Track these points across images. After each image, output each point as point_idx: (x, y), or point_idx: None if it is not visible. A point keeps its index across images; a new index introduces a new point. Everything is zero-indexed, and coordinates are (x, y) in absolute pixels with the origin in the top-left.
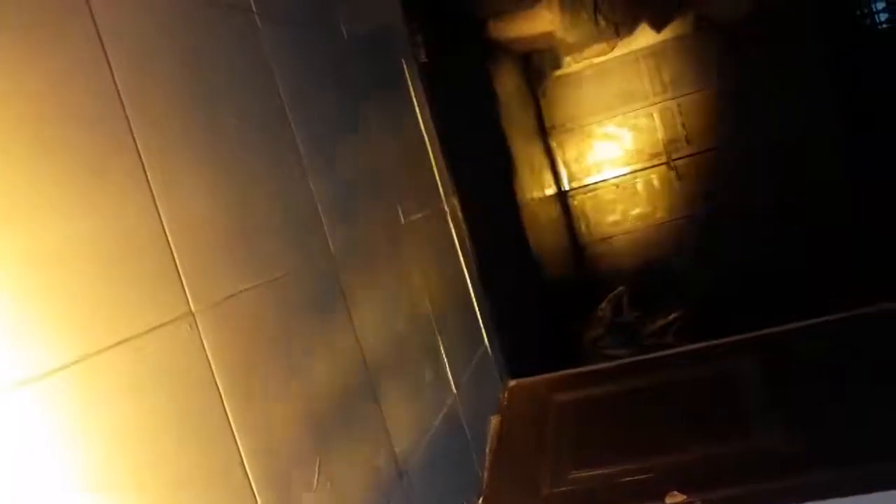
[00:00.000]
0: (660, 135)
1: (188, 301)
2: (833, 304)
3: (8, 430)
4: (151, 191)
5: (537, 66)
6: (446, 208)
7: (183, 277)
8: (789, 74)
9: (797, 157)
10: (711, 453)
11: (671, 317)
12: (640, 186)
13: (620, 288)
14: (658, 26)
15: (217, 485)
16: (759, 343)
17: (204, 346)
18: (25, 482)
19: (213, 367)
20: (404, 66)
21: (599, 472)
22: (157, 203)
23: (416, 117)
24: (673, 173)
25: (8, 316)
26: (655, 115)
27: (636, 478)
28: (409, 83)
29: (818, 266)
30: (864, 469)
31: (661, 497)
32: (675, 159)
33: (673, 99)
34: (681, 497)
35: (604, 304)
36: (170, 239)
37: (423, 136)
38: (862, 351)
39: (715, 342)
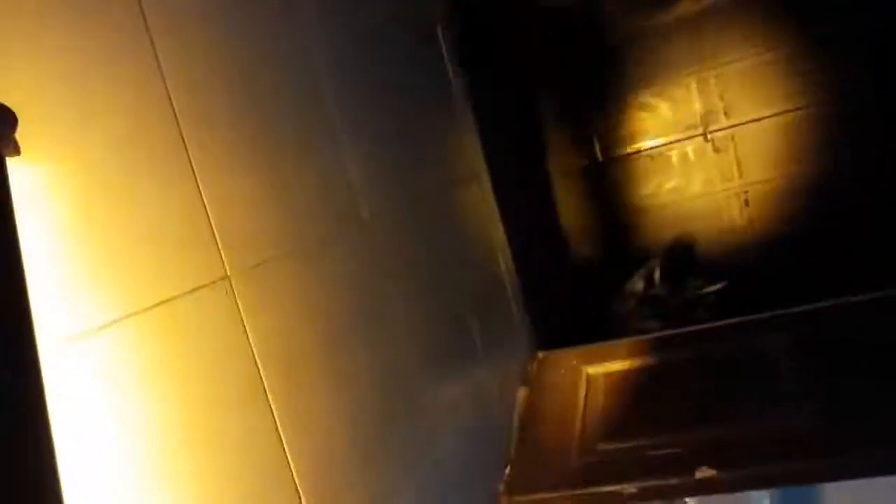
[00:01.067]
0: (697, 105)
1: (224, 265)
2: (875, 284)
3: (60, 383)
4: (190, 159)
5: (579, 32)
6: (478, 180)
7: (219, 242)
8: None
9: (849, 129)
10: (741, 430)
11: (704, 290)
12: (675, 158)
13: (653, 260)
14: None
15: (250, 445)
16: (794, 320)
17: (239, 309)
18: (75, 433)
19: (248, 328)
20: (439, 35)
21: (628, 445)
22: (195, 170)
23: (450, 87)
24: (709, 145)
25: (62, 276)
26: (693, 85)
27: (665, 451)
28: (444, 52)
29: (861, 244)
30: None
31: (691, 472)
32: (711, 131)
33: (712, 69)
34: (711, 472)
35: (635, 277)
36: (207, 205)
37: (455, 106)
38: None
39: (748, 318)
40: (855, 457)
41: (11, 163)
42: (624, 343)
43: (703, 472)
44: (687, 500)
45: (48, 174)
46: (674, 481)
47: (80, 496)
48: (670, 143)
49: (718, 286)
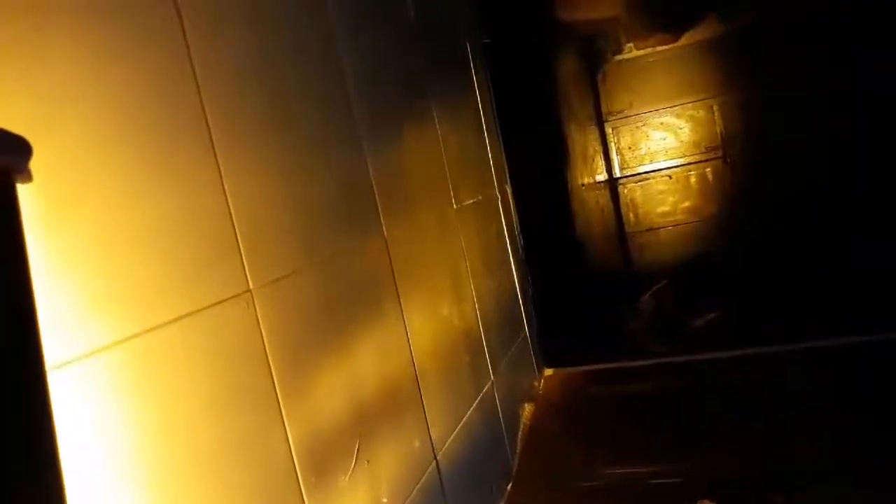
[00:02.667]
0: (718, 129)
1: (247, 279)
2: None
3: (77, 400)
4: (219, 169)
5: (599, 49)
6: (497, 194)
7: (244, 255)
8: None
9: (869, 156)
10: (744, 462)
11: (712, 315)
12: (693, 179)
13: (664, 281)
14: (726, 20)
15: (264, 459)
16: (805, 355)
17: (259, 324)
18: (92, 450)
19: (267, 344)
20: (468, 48)
21: (630, 470)
22: (224, 182)
23: (476, 99)
24: (728, 168)
25: (81, 289)
26: (715, 108)
27: (667, 481)
28: (472, 64)
29: (879, 276)
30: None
31: (692, 502)
32: (731, 155)
33: (734, 92)
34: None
35: (647, 296)
36: (234, 217)
37: (481, 118)
38: None
39: (759, 350)
40: (861, 489)
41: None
42: (631, 367)
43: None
44: None
45: (62, 186)
46: None
47: None
48: (689, 164)
49: (727, 309)
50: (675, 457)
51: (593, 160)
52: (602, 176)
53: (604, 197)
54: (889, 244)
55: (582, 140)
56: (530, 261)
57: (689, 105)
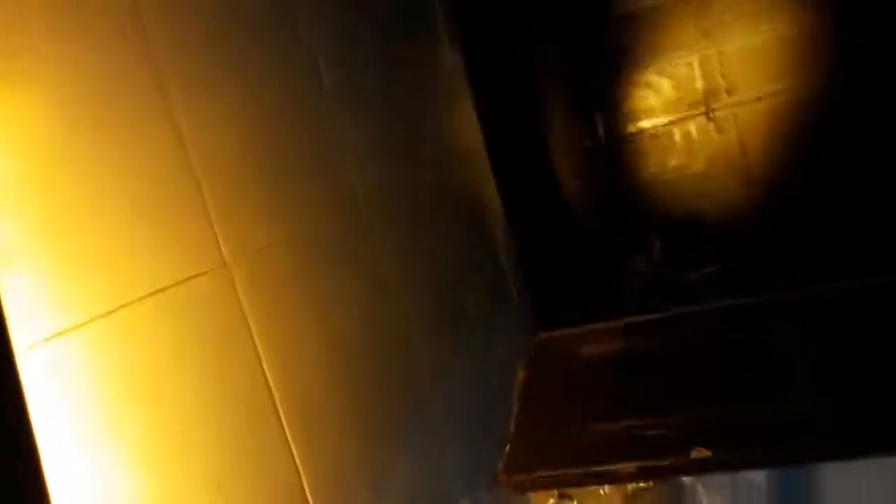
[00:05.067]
0: (699, 84)
1: (222, 253)
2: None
3: (52, 376)
4: (185, 145)
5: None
6: (476, 156)
7: (217, 230)
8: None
9: (861, 111)
10: (738, 411)
11: (705, 270)
12: (677, 137)
13: (655, 239)
14: None
15: (251, 432)
16: (795, 303)
17: (238, 296)
18: (69, 420)
19: (248, 314)
20: (435, 9)
21: (626, 425)
22: (192, 158)
23: (447, 57)
24: (712, 125)
25: (53, 268)
26: (695, 64)
27: (662, 432)
28: (440, 18)
29: (867, 225)
30: (889, 431)
31: (686, 452)
32: (714, 110)
33: (715, 47)
34: (706, 453)
35: (637, 256)
36: (205, 194)
37: (453, 79)
38: None
39: (749, 300)
40: (851, 438)
41: None
42: (624, 324)
43: (699, 452)
44: (683, 479)
45: (31, 162)
46: (669, 461)
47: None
48: (672, 122)
49: (719, 265)
50: (670, 409)
51: (577, 122)
52: (588, 141)
53: (591, 160)
54: (884, 187)
55: (563, 102)
56: (518, 226)
57: (671, 62)
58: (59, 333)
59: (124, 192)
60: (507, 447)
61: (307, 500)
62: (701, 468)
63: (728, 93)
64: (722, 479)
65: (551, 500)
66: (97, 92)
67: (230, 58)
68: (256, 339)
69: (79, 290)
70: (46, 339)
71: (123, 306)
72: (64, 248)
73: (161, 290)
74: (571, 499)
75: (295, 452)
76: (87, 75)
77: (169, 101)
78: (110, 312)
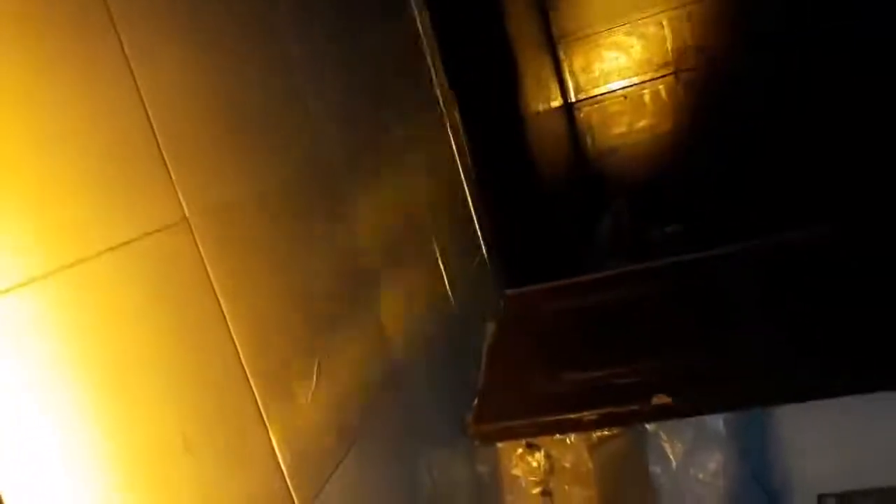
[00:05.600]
0: (668, 44)
1: (182, 206)
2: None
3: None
4: (140, 94)
5: None
6: (446, 118)
7: (176, 183)
8: None
9: (820, 62)
10: (697, 359)
11: (671, 228)
12: (647, 98)
13: (621, 199)
14: None
15: (216, 385)
16: (749, 253)
17: (200, 251)
18: (20, 385)
19: (210, 271)
20: None
21: (590, 374)
22: (147, 108)
23: (416, 23)
24: (681, 85)
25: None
26: (665, 23)
27: (625, 381)
28: None
29: (831, 181)
30: (850, 373)
31: (648, 399)
32: (683, 70)
33: (684, 6)
34: (667, 399)
35: (605, 215)
36: (161, 145)
37: (422, 42)
38: (857, 260)
39: (706, 253)
40: (806, 379)
41: None
42: (590, 279)
43: (660, 399)
44: (646, 426)
45: None
46: (632, 408)
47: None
48: (642, 82)
49: (685, 223)
50: (633, 359)
51: (547, 84)
52: (557, 101)
53: (560, 121)
54: (843, 145)
55: (534, 65)
56: (485, 185)
57: (640, 22)
58: (8, 290)
59: (79, 142)
60: (476, 400)
61: (275, 454)
62: (662, 414)
63: (698, 53)
64: (683, 424)
65: (519, 450)
66: (53, 36)
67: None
68: (219, 294)
69: (29, 245)
70: None
71: (80, 261)
72: (15, 202)
73: (120, 246)
74: (539, 448)
75: (262, 408)
76: (43, 20)
77: (126, 55)
78: (67, 266)
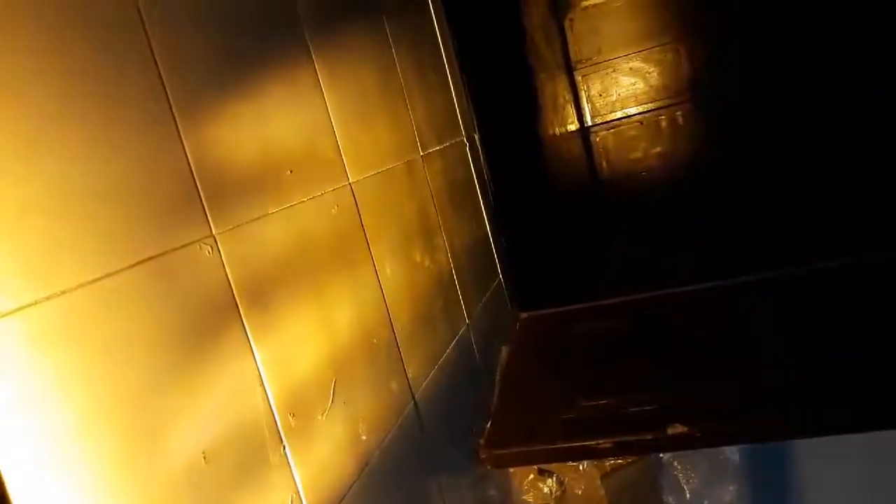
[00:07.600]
0: (685, 71)
1: (210, 224)
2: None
3: (32, 341)
4: (175, 118)
5: None
6: (465, 141)
7: (204, 201)
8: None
9: (836, 92)
10: (714, 388)
11: (685, 255)
12: (663, 123)
13: (636, 225)
14: None
15: (237, 403)
16: (770, 283)
17: (225, 268)
18: (48, 394)
19: (234, 288)
20: None
21: (605, 402)
22: (181, 131)
23: (439, 47)
24: (698, 112)
25: (38, 234)
26: (682, 51)
27: (640, 409)
28: (432, 10)
29: (852, 209)
30: (862, 409)
31: (663, 428)
32: (699, 97)
33: (701, 34)
34: (682, 428)
35: (619, 241)
36: (192, 165)
37: (444, 66)
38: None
39: (725, 282)
40: (824, 414)
41: None
42: (603, 304)
43: (675, 429)
44: (660, 455)
45: (16, 138)
46: (647, 437)
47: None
48: (659, 108)
49: (701, 250)
50: (649, 386)
51: (564, 109)
52: (574, 125)
53: (576, 145)
54: (858, 177)
55: (552, 89)
56: (502, 208)
57: (657, 49)
58: (33, 304)
59: (113, 161)
60: (489, 424)
61: (292, 473)
62: (677, 444)
63: (715, 80)
64: (698, 455)
65: (531, 475)
66: (89, 62)
67: (220, 29)
68: (242, 312)
69: (63, 258)
70: (19, 310)
71: (108, 275)
72: (55, 217)
73: (147, 260)
74: (551, 474)
75: (280, 426)
76: (80, 45)
77: (159, 69)
78: (94, 281)
